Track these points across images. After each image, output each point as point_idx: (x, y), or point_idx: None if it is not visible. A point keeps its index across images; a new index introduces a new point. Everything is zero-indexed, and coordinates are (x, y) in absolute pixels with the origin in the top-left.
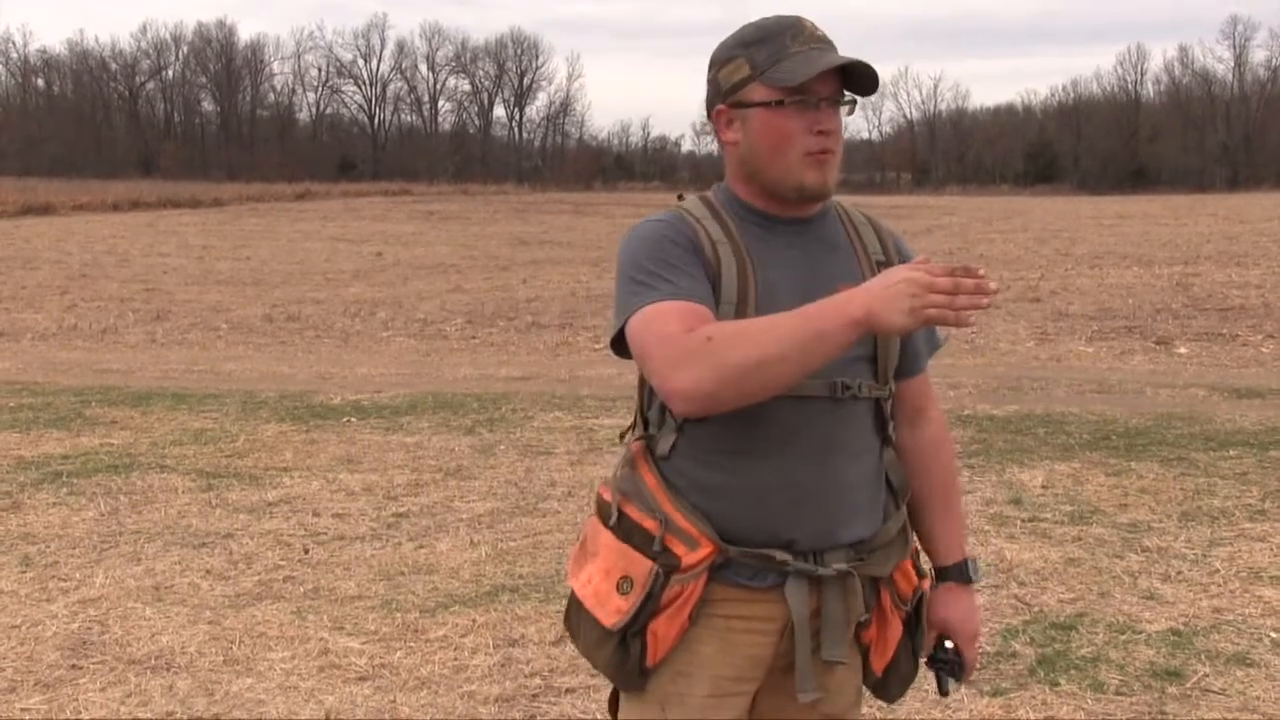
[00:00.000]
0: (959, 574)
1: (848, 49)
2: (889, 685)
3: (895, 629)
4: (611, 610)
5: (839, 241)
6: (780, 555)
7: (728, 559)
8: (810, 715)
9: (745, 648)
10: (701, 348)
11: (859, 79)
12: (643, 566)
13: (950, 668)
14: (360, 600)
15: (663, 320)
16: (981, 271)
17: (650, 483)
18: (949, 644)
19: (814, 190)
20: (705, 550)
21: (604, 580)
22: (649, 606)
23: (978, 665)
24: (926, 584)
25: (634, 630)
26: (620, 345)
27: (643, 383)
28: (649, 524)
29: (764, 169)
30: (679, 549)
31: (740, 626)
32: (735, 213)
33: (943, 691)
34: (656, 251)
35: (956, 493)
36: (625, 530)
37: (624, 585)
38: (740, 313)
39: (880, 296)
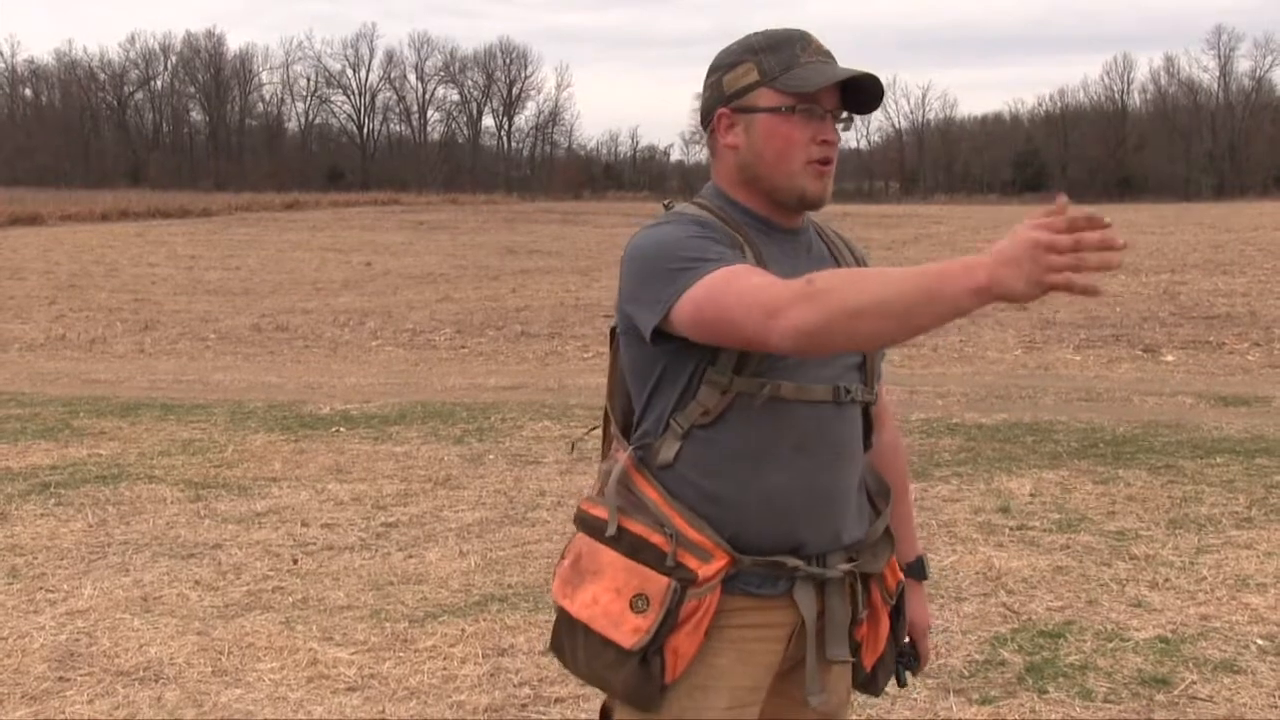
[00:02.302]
0: (917, 570)
1: (840, 60)
2: (877, 679)
3: (885, 625)
4: (629, 630)
5: (823, 255)
6: (791, 561)
7: (739, 570)
8: (807, 715)
9: (758, 656)
10: (808, 290)
11: (859, 97)
12: (658, 583)
13: (907, 660)
14: (349, 610)
15: (744, 277)
16: (1107, 220)
17: (653, 496)
18: (906, 638)
19: (814, 199)
20: (720, 562)
21: (615, 599)
22: (668, 623)
23: (930, 658)
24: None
25: (654, 648)
26: (659, 337)
27: (612, 394)
28: (657, 539)
29: (767, 174)
30: (692, 563)
31: (753, 635)
32: (736, 216)
33: (901, 683)
34: (692, 242)
35: (909, 493)
36: (631, 546)
37: (638, 603)
38: None
39: (1005, 263)
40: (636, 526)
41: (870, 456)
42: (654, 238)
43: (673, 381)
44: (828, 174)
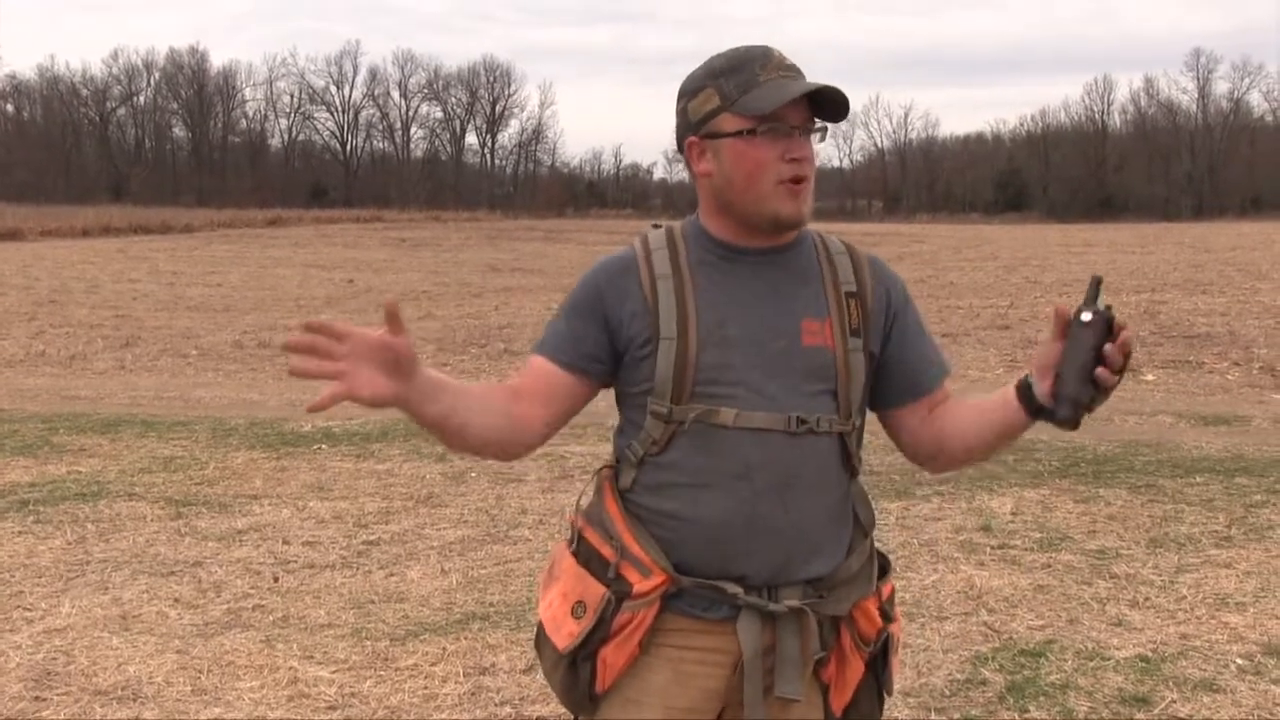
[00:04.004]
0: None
1: (820, 78)
2: None
3: (856, 669)
4: (564, 634)
5: (810, 274)
6: (731, 588)
7: (681, 589)
8: None
9: (698, 679)
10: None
11: (829, 106)
12: (596, 592)
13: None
14: (330, 629)
15: (527, 370)
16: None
17: (612, 510)
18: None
19: (789, 220)
20: (657, 579)
21: (562, 604)
22: (599, 632)
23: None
24: (895, 628)
25: (584, 654)
26: None
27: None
28: (606, 551)
29: (738, 199)
30: (632, 576)
31: (692, 658)
32: (700, 245)
33: (1100, 388)
34: (574, 298)
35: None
36: (584, 555)
37: (578, 609)
38: (681, 347)
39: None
40: (593, 537)
41: (934, 424)
42: (582, 278)
43: (628, 415)
44: (801, 193)
